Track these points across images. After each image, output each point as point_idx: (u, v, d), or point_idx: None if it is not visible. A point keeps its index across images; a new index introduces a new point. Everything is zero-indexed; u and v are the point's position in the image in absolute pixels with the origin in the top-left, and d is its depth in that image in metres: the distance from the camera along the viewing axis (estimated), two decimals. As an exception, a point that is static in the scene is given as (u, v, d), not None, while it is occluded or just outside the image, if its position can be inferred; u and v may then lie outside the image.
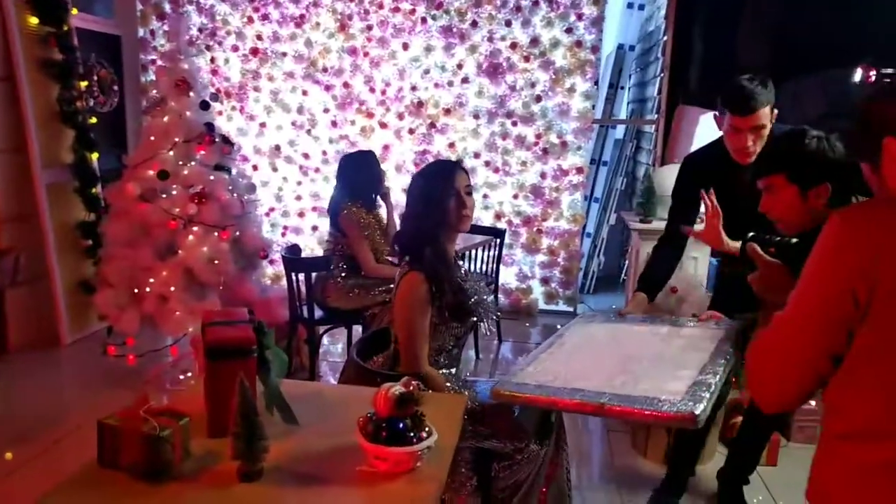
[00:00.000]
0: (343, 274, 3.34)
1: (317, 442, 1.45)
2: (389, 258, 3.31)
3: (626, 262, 5.27)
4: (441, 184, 2.02)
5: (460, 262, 2.25)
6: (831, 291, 1.04)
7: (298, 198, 5.17)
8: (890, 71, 3.89)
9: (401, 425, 1.32)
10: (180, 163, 3.35)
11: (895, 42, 4.05)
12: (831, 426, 1.11)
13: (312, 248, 5.05)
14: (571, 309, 5.00)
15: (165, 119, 3.37)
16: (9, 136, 3.91)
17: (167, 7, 5.06)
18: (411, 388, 1.43)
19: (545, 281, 5.02)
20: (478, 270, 4.35)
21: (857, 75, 3.98)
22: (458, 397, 1.73)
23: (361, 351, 2.11)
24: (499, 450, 2.04)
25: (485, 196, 4.95)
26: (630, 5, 5.46)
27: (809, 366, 1.09)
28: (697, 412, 1.45)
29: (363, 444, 1.32)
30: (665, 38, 4.73)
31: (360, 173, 3.34)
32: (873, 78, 3.94)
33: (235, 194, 3.45)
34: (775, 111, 2.25)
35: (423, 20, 4.78)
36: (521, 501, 2.15)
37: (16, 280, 3.91)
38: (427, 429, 1.36)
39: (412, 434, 1.32)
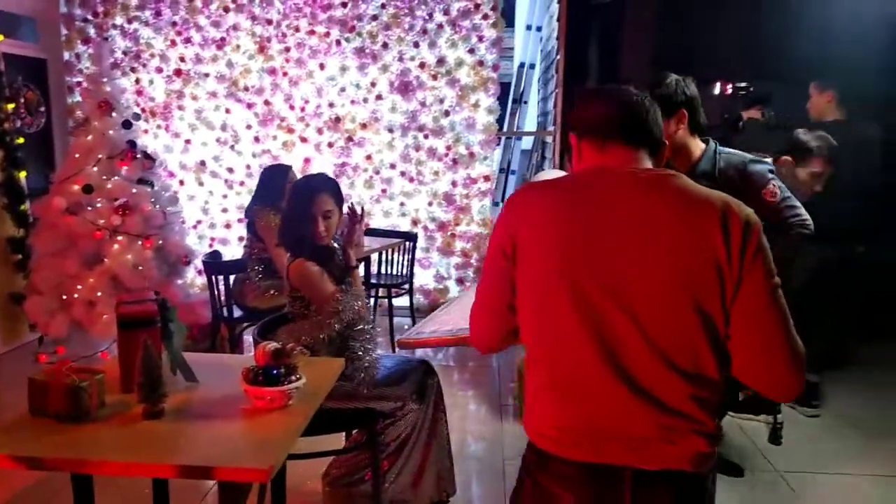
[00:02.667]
0: (260, 276, 3.66)
1: (211, 392, 1.81)
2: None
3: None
4: (299, 212, 2.37)
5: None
6: (492, 252, 1.35)
7: (224, 210, 5.46)
8: (743, 84, 4.47)
9: (275, 371, 1.69)
10: (104, 177, 3.62)
11: (750, 62, 4.66)
12: (526, 358, 1.36)
13: (239, 256, 5.33)
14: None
15: (89, 138, 3.64)
16: (-64, 156, 4.09)
17: (92, 32, 5.29)
18: (296, 350, 1.82)
19: (460, 281, 5.43)
20: (392, 272, 4.75)
21: (717, 89, 4.54)
22: (336, 361, 2.10)
23: (262, 331, 2.46)
24: (383, 409, 2.42)
25: (401, 204, 5.35)
26: (528, 27, 5.98)
27: (494, 313, 1.36)
28: None
29: (245, 387, 1.69)
30: (558, 56, 5.25)
31: (272, 184, 3.69)
32: (730, 90, 4.51)
33: (158, 206, 3.74)
34: (675, 120, 2.16)
35: (338, 42, 5.17)
36: (408, 455, 2.54)
37: (-54, 294, 4.09)
38: (297, 375, 1.73)
39: (284, 378, 1.69)
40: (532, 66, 6.05)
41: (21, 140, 4.53)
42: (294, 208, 2.43)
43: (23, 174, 4.45)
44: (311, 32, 5.17)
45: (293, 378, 1.70)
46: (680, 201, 1.22)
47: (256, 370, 1.69)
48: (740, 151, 2.27)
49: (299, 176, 3.88)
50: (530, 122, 6.42)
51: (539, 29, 5.94)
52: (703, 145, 2.24)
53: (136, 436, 1.57)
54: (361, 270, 4.36)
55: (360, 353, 2.42)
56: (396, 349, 4.60)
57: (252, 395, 1.68)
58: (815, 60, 4.25)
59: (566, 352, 1.24)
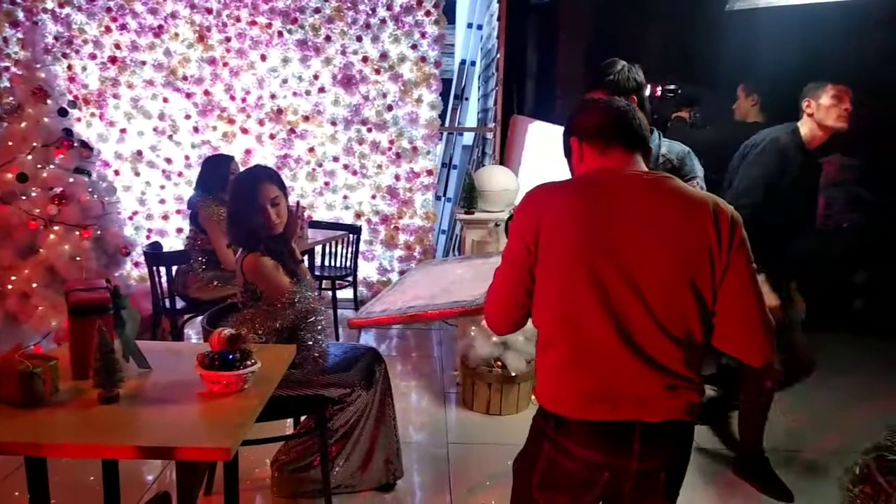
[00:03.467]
0: (203, 267, 3.65)
1: (165, 378, 1.84)
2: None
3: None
4: (245, 203, 2.39)
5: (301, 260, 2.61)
6: (515, 244, 1.53)
7: (162, 201, 5.36)
8: (672, 86, 4.72)
9: (230, 356, 1.74)
10: (39, 166, 3.53)
11: (678, 64, 4.91)
12: (538, 340, 1.57)
13: (178, 248, 5.25)
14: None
15: (23, 125, 3.54)
16: None
17: (20, 15, 5.10)
18: (249, 337, 1.87)
19: (403, 273, 5.51)
20: (336, 265, 4.80)
21: (647, 90, 4.77)
22: (288, 348, 2.16)
23: (211, 320, 2.49)
24: (332, 395, 2.49)
25: (345, 197, 5.39)
26: (469, 25, 6.09)
27: (514, 297, 1.55)
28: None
29: (200, 372, 1.73)
30: (498, 55, 5.39)
31: (214, 174, 3.67)
32: (659, 92, 4.75)
33: (96, 196, 3.67)
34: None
35: (280, 34, 5.15)
36: (356, 440, 2.62)
37: None
38: (252, 360, 1.78)
39: (240, 363, 1.75)
40: (473, 64, 6.17)
41: (-55, 126, 4.35)
42: (240, 202, 2.44)
43: (-53, 162, 4.27)
44: (253, 23, 5.14)
45: (248, 363, 1.76)
46: (678, 199, 1.47)
47: (212, 355, 1.74)
48: (681, 143, 2.41)
49: (241, 167, 3.88)
50: (471, 118, 6.55)
51: (480, 27, 6.06)
52: None
53: (93, 419, 1.59)
54: (306, 262, 4.41)
55: (311, 343, 2.48)
56: (344, 332, 4.66)
57: (208, 379, 1.73)
58: (745, 65, 4.53)
59: (587, 329, 1.45)
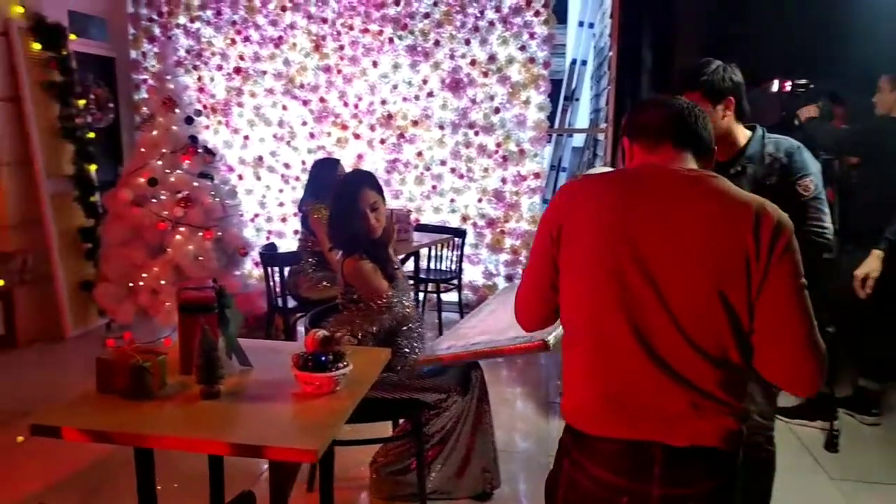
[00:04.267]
0: (313, 268, 3.77)
1: (264, 376, 1.90)
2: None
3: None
4: (346, 208, 2.43)
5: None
6: (539, 235, 1.46)
7: (281, 204, 5.62)
8: (803, 82, 4.35)
9: (323, 358, 1.76)
10: (167, 171, 3.80)
11: (810, 58, 4.53)
12: (564, 339, 1.47)
13: (294, 249, 5.48)
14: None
15: (154, 133, 3.82)
16: (16, 150, 4.36)
17: (157, 31, 5.52)
18: (345, 339, 1.89)
19: (509, 278, 5.45)
20: (441, 268, 4.82)
21: (775, 86, 4.42)
22: (382, 351, 2.17)
23: (314, 320, 2.55)
24: (428, 399, 2.48)
25: (451, 200, 5.41)
26: (581, 24, 5.94)
27: (539, 292, 1.48)
28: (548, 339, 1.88)
29: (295, 373, 1.77)
30: (610, 53, 5.21)
31: (322, 177, 3.79)
32: (788, 87, 4.39)
33: (218, 199, 3.89)
34: (722, 107, 2.12)
35: (391, 40, 5.25)
36: (453, 446, 2.60)
37: (24, 279, 4.36)
38: (345, 362, 1.80)
39: (332, 365, 1.76)
40: (584, 63, 6.01)
41: (91, 135, 4.79)
42: (342, 207, 2.49)
43: (93, 167, 4.70)
44: (365, 30, 5.27)
45: (340, 365, 1.77)
46: (718, 199, 1.31)
47: (306, 356, 1.77)
48: (790, 138, 2.23)
49: (348, 170, 3.98)
50: (582, 119, 6.38)
51: (591, 25, 5.89)
52: (748, 132, 2.22)
53: (194, 414, 1.67)
54: (410, 265, 4.46)
55: (407, 350, 2.48)
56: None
57: (301, 380, 1.76)
58: (885, 55, 4.10)
59: (605, 332, 1.33)
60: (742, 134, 2.20)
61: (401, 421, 2.73)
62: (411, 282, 2.80)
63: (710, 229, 1.29)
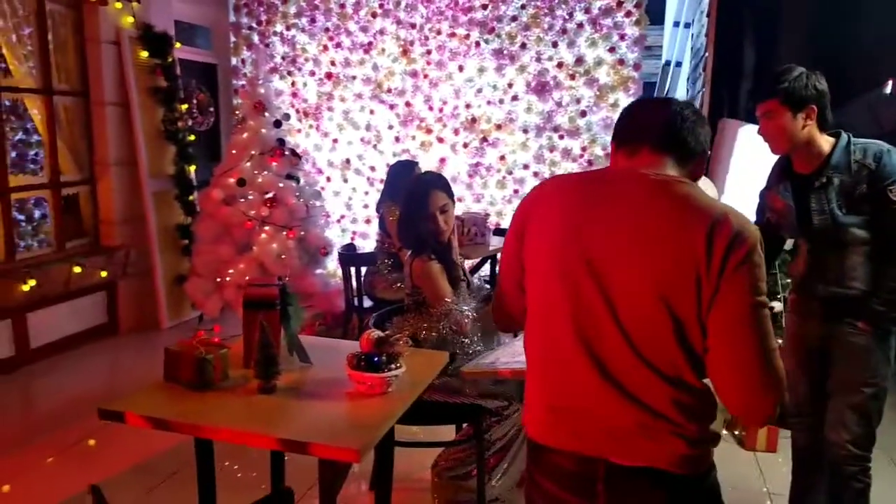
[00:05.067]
0: (389, 269, 3.82)
1: (322, 374, 1.93)
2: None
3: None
4: (416, 209, 2.45)
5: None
6: (508, 234, 1.42)
7: (366, 206, 5.73)
8: (922, 82, 3.99)
9: (376, 359, 1.76)
10: (256, 172, 3.96)
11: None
12: (524, 338, 1.44)
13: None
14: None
15: (245, 135, 3.99)
16: (123, 151, 4.68)
17: (256, 39, 5.78)
18: (401, 341, 1.89)
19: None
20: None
21: (888, 88, 4.09)
22: (441, 354, 2.15)
23: (378, 322, 2.58)
24: (489, 406, 2.44)
25: (534, 204, 5.32)
26: (676, 24, 5.71)
27: (508, 292, 1.44)
28: None
29: (348, 372, 1.78)
30: (706, 54, 4.97)
31: (399, 179, 3.83)
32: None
33: (302, 200, 4.02)
34: (803, 115, 2.01)
35: (477, 44, 5.25)
36: (514, 455, 2.54)
37: (126, 272, 4.67)
38: (398, 364, 1.79)
39: (385, 366, 1.77)
40: (679, 65, 5.78)
41: (192, 137, 5.07)
42: (411, 208, 2.51)
43: (192, 168, 4.97)
44: (452, 35, 5.29)
45: (393, 366, 1.77)
46: (678, 205, 1.22)
47: (360, 356, 1.78)
48: (879, 141, 2.06)
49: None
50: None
51: (688, 26, 5.65)
52: (832, 140, 2.06)
53: (249, 407, 1.71)
54: (486, 269, 4.43)
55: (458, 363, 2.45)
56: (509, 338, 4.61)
57: (354, 379, 1.77)
58: None
59: (553, 337, 1.29)
60: (826, 143, 2.06)
61: (464, 426, 2.71)
62: (487, 286, 2.76)
63: (663, 235, 1.19)
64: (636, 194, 1.25)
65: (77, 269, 4.20)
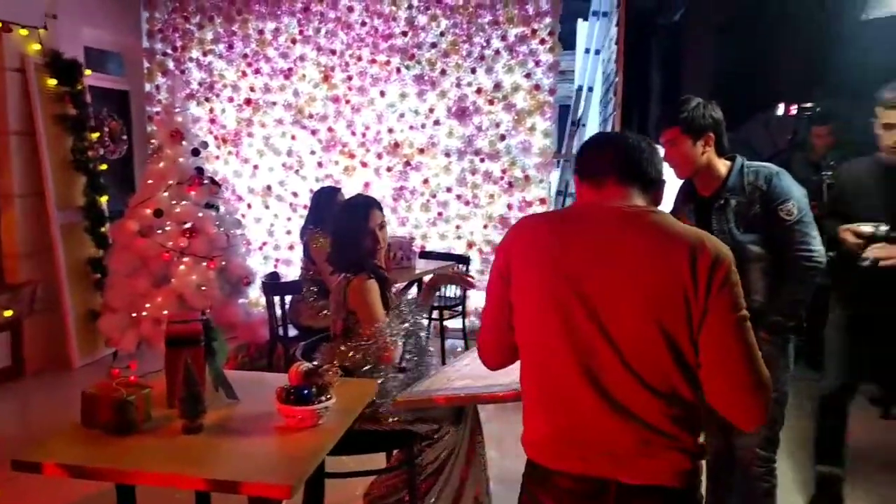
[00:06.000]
0: (314, 296, 3.78)
1: (250, 409, 1.89)
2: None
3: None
4: (355, 227, 2.46)
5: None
6: (492, 274, 1.48)
7: (288, 232, 5.65)
8: (808, 105, 4.33)
9: (305, 391, 1.75)
10: (174, 202, 3.85)
11: (811, 80, 4.51)
12: (520, 373, 1.49)
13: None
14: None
15: (161, 164, 3.89)
16: (29, 182, 4.45)
17: (171, 65, 5.65)
18: (331, 372, 1.88)
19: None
20: (446, 294, 4.81)
21: (780, 110, 4.41)
22: (370, 383, 2.16)
23: (306, 352, 2.55)
24: (421, 431, 2.46)
25: (457, 227, 5.41)
26: (587, 51, 5.97)
27: (496, 330, 1.48)
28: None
29: (278, 406, 1.76)
30: (616, 79, 5.22)
31: (323, 205, 3.81)
32: (794, 111, 4.37)
33: (222, 229, 3.94)
34: (702, 143, 2.15)
35: (398, 70, 5.31)
36: (447, 478, 2.56)
37: (32, 309, 4.42)
38: (328, 395, 1.79)
39: (314, 398, 1.76)
40: (591, 90, 6.03)
41: (104, 167, 4.88)
42: (350, 227, 2.50)
43: (104, 198, 4.78)
44: (373, 61, 5.34)
45: (323, 398, 1.77)
46: (655, 234, 1.32)
47: (289, 389, 1.77)
48: (769, 164, 2.24)
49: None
50: (590, 144, 6.40)
51: (598, 52, 5.92)
52: (729, 163, 2.22)
53: (175, 449, 1.66)
54: (414, 291, 4.45)
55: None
56: (448, 361, 4.64)
57: (284, 413, 1.75)
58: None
59: (553, 367, 1.35)
60: (723, 167, 2.22)
61: (395, 452, 2.70)
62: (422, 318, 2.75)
63: (647, 264, 1.29)
64: (612, 227, 1.34)
65: (-22, 309, 3.95)
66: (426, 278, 4.67)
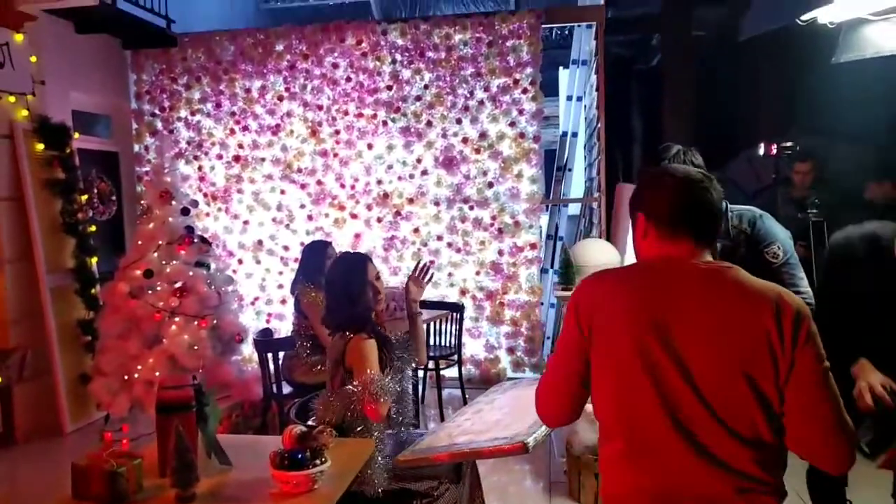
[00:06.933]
0: (308, 352, 3.75)
1: (244, 475, 1.86)
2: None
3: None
4: (356, 279, 2.47)
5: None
6: (569, 330, 1.49)
7: (280, 286, 5.65)
8: (789, 144, 4.42)
9: (299, 455, 1.73)
10: (164, 262, 3.84)
11: (788, 120, 4.61)
12: (599, 433, 1.53)
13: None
14: (538, 375, 5.36)
15: (151, 225, 3.89)
16: (17, 247, 4.44)
17: (159, 125, 5.71)
18: (325, 433, 1.86)
19: (511, 350, 5.40)
20: (441, 343, 4.78)
21: (761, 150, 4.50)
22: (366, 443, 2.13)
23: (299, 412, 2.52)
24: (419, 489, 2.41)
25: (449, 274, 5.42)
26: (569, 98, 6.10)
27: (569, 389, 1.51)
28: (527, 441, 1.85)
29: (272, 472, 1.73)
30: (599, 125, 5.32)
31: (313, 260, 3.82)
32: (775, 151, 4.46)
33: (213, 287, 3.92)
34: None
35: (385, 123, 5.40)
36: (446, 537, 2.50)
37: (22, 376, 4.36)
38: (323, 458, 1.76)
39: (309, 462, 1.73)
40: (574, 135, 6.14)
41: (93, 228, 4.88)
42: (348, 282, 2.48)
43: (94, 260, 4.77)
44: (360, 115, 5.43)
45: (318, 462, 1.74)
46: (737, 292, 1.39)
47: (283, 454, 1.74)
48: (753, 207, 2.27)
49: (339, 250, 4.01)
50: (577, 188, 6.48)
51: (580, 99, 6.05)
52: None
53: (167, 521, 1.63)
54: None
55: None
56: (446, 413, 4.58)
57: (278, 479, 1.72)
58: (859, 117, 4.18)
59: (642, 422, 1.39)
60: None
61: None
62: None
63: (731, 320, 1.36)
64: (694, 284, 1.40)
65: (-34, 377, 3.89)
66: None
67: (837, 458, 1.36)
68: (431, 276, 2.77)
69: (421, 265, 2.73)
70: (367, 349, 2.36)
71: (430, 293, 5.36)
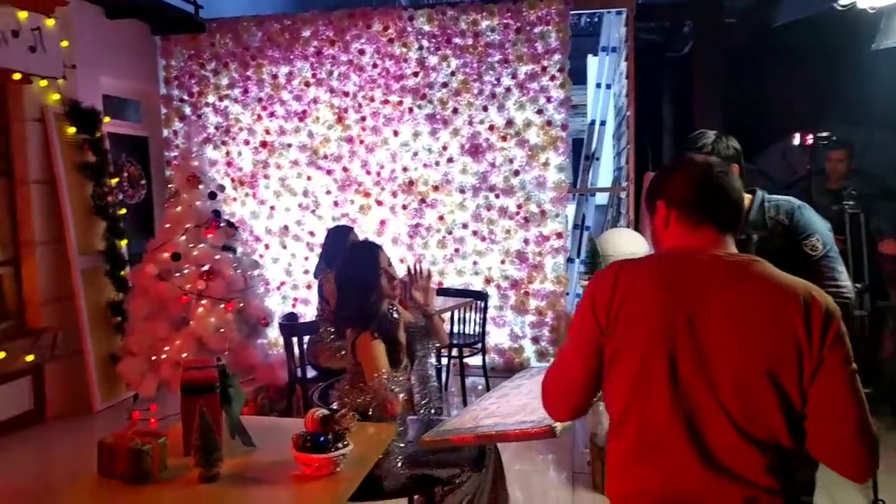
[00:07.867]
0: (331, 337, 3.76)
1: (267, 457, 1.87)
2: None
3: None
4: (369, 267, 2.45)
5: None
6: (584, 320, 1.43)
7: (306, 271, 5.67)
8: (825, 134, 4.30)
9: (322, 438, 1.73)
10: (191, 245, 3.89)
11: (824, 110, 4.48)
12: (611, 424, 1.46)
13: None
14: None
15: (179, 209, 3.94)
16: (50, 229, 4.52)
17: (188, 110, 5.76)
18: (347, 417, 1.86)
19: (535, 340, 5.37)
20: (465, 331, 4.77)
21: (796, 139, 4.38)
22: (388, 428, 2.12)
23: (322, 395, 2.53)
24: (441, 476, 2.41)
25: (474, 263, 5.40)
26: (598, 85, 6.01)
27: (576, 377, 1.45)
28: (555, 425, 1.82)
29: (294, 454, 1.74)
30: (628, 113, 5.24)
31: (335, 245, 3.83)
32: (811, 141, 4.34)
33: (240, 270, 3.96)
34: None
35: (410, 110, 5.38)
36: (468, 524, 2.50)
37: (54, 354, 4.45)
38: (345, 442, 1.77)
39: (331, 445, 1.73)
40: (603, 123, 6.06)
41: (123, 211, 4.95)
42: (359, 271, 2.47)
43: (124, 242, 4.84)
44: (386, 102, 5.42)
45: (340, 445, 1.74)
46: (765, 287, 1.33)
47: (305, 436, 1.75)
48: (791, 198, 2.20)
49: (361, 237, 4.01)
50: (604, 177, 6.40)
51: (609, 87, 5.97)
52: (749, 197, 2.18)
53: (191, 499, 1.65)
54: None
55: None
56: (469, 400, 4.58)
57: (300, 461, 1.73)
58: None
59: (653, 419, 1.34)
60: (746, 200, 2.17)
61: (416, 498, 2.65)
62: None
63: (760, 317, 1.30)
64: (719, 280, 1.34)
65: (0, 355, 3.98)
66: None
67: (859, 462, 1.29)
68: (429, 273, 2.69)
69: (411, 270, 2.64)
70: (374, 350, 2.35)
71: (454, 281, 5.37)
